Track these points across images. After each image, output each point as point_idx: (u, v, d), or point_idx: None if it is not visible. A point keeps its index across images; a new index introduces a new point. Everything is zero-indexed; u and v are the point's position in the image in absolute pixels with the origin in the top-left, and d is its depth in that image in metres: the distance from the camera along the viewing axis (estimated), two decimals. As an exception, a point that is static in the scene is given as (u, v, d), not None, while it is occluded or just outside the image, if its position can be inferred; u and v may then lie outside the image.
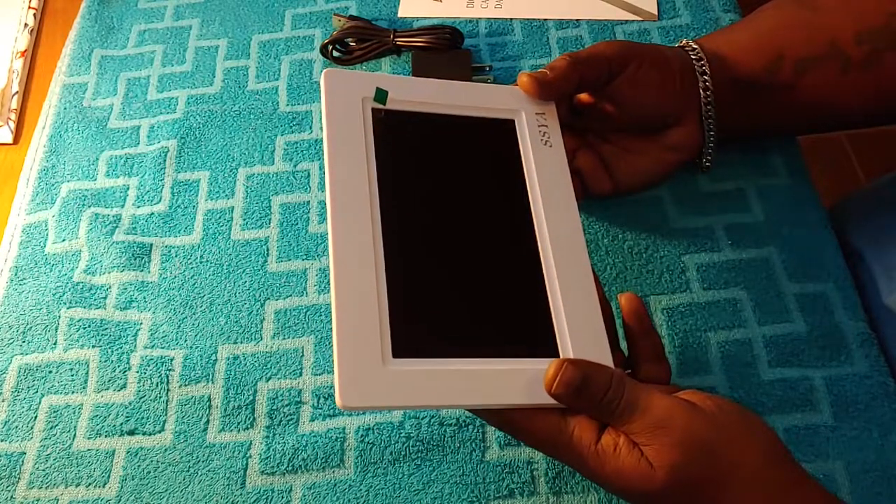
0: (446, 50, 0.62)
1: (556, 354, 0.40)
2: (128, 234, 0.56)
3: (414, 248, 0.42)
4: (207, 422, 0.49)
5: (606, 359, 0.40)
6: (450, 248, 0.43)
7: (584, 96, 0.51)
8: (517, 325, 0.41)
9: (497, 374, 0.39)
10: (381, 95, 0.45)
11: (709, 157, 0.54)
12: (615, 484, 0.38)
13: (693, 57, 0.51)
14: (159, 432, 0.49)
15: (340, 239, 0.40)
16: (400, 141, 0.45)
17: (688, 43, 0.52)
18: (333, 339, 0.38)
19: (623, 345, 0.46)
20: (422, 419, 0.48)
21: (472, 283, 0.42)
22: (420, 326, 0.40)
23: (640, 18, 0.65)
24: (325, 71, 0.45)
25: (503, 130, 0.46)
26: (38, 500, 0.47)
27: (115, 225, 0.57)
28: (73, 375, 0.51)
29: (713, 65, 0.51)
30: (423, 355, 0.39)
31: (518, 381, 0.39)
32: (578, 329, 0.41)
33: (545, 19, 0.66)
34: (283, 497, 0.46)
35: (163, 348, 0.52)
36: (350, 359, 0.37)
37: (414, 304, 0.40)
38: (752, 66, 0.51)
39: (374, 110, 0.45)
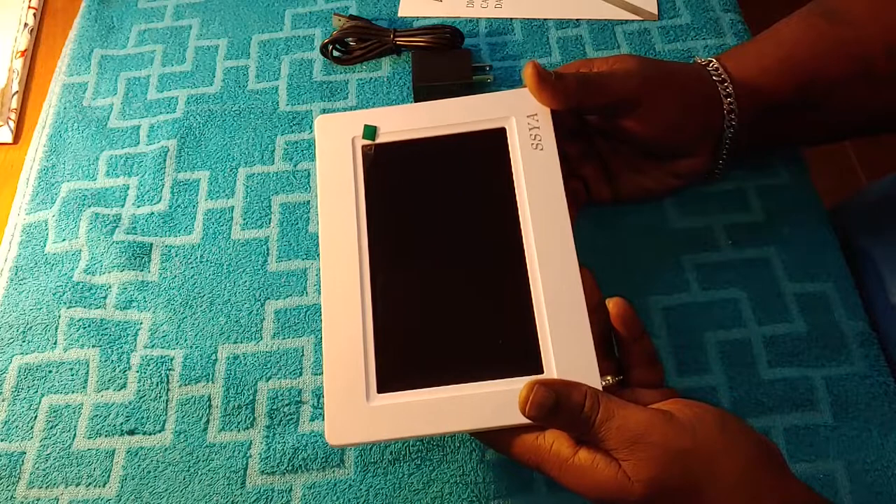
0: (446, 50, 0.62)
1: (542, 372, 0.40)
2: (128, 233, 0.56)
3: (401, 280, 0.44)
4: (207, 421, 0.49)
5: (593, 374, 0.40)
6: (437, 275, 0.44)
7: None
8: (503, 346, 0.42)
9: (479, 397, 0.40)
10: (369, 132, 0.47)
11: (718, 171, 0.53)
12: (595, 496, 0.38)
13: (716, 78, 0.49)
14: (159, 432, 0.49)
15: (329, 281, 0.43)
16: (389, 174, 0.46)
17: (710, 62, 0.50)
18: (323, 379, 0.41)
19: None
20: (422, 419, 0.48)
21: (458, 309, 0.43)
22: (406, 359, 0.42)
23: (640, 18, 0.65)
24: (317, 119, 0.48)
25: (494, 141, 0.46)
26: (38, 500, 0.47)
27: (115, 225, 0.57)
28: (73, 375, 0.51)
29: (739, 89, 0.48)
30: (409, 387, 0.41)
31: (499, 403, 0.40)
32: (564, 344, 0.41)
33: (545, 19, 0.66)
34: (283, 497, 0.47)
35: (163, 348, 0.52)
36: (336, 398, 0.41)
37: (400, 338, 0.42)
38: (783, 91, 0.49)
39: (363, 147, 0.47)
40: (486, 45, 0.64)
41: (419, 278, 0.44)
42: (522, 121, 0.46)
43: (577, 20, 0.65)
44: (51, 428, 0.49)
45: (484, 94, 0.48)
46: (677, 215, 0.55)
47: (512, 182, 0.45)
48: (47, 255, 0.56)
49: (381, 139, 0.47)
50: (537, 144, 0.45)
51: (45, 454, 0.49)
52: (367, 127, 0.47)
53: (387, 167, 0.46)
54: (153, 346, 0.52)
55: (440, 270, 0.44)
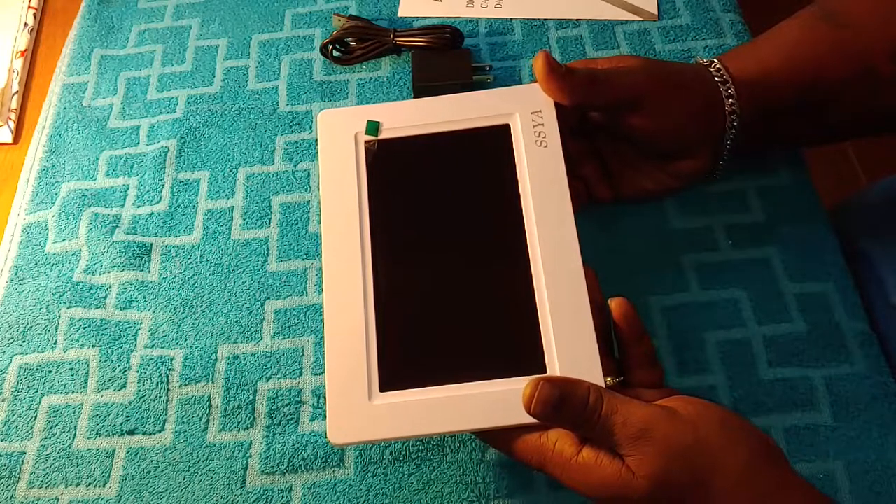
0: (446, 50, 0.62)
1: (545, 371, 0.40)
2: (128, 233, 0.56)
3: (403, 278, 0.43)
4: (207, 421, 0.49)
5: (596, 373, 0.40)
6: (439, 273, 0.44)
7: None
8: (506, 345, 0.42)
9: (482, 396, 0.40)
10: (372, 127, 0.47)
11: (718, 173, 0.53)
12: (599, 494, 0.38)
13: (718, 79, 0.49)
14: (159, 432, 0.49)
15: (331, 278, 0.43)
16: (392, 170, 0.46)
17: (712, 63, 0.50)
18: (325, 378, 0.41)
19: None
20: (422, 419, 0.48)
21: (461, 307, 0.43)
22: (408, 357, 0.42)
23: (640, 18, 0.65)
24: (319, 114, 0.47)
25: (498, 138, 0.46)
26: (38, 500, 0.47)
27: (115, 225, 0.57)
28: (73, 375, 0.51)
29: (741, 90, 0.48)
30: (412, 385, 0.40)
31: (502, 402, 0.40)
32: (567, 342, 0.41)
33: (545, 19, 0.66)
34: (283, 497, 0.47)
35: (163, 348, 0.52)
36: (337, 396, 0.40)
37: (402, 336, 0.42)
38: (785, 92, 0.49)
39: (366, 143, 0.46)
40: (486, 45, 0.64)
41: (422, 276, 0.44)
42: (527, 117, 0.46)
43: (577, 20, 0.65)
44: (51, 428, 0.49)
45: (488, 90, 0.48)
46: (677, 215, 0.55)
47: (516, 179, 0.45)
48: (47, 255, 0.56)
49: (383, 135, 0.47)
50: (541, 141, 0.45)
51: (45, 454, 0.49)
52: (370, 122, 0.47)
53: (389, 163, 0.46)
54: (153, 346, 0.52)
55: (443, 268, 0.44)
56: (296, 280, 0.54)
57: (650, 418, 0.37)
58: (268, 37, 0.67)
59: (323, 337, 0.51)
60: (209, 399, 0.50)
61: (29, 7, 0.71)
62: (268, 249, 0.55)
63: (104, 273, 0.55)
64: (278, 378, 0.50)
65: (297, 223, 0.56)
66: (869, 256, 0.55)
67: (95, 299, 0.54)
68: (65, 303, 0.54)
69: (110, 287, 0.54)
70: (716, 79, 0.49)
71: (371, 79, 0.63)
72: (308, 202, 0.57)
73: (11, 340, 0.53)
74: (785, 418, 0.47)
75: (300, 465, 0.47)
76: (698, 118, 0.49)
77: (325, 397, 0.49)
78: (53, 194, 0.59)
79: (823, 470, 0.45)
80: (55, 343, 0.52)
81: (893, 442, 0.46)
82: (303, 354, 0.51)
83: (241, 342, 0.52)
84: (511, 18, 0.66)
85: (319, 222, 0.56)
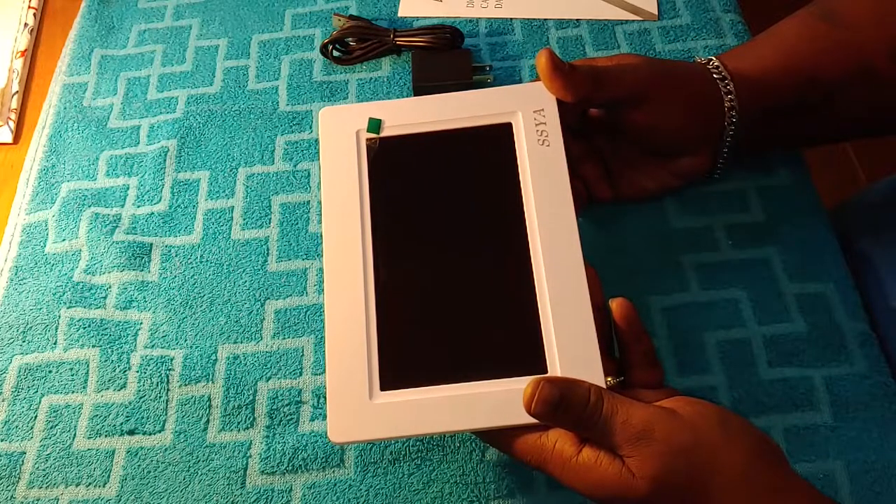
0: (446, 50, 0.62)
1: (545, 371, 0.40)
2: (128, 233, 0.56)
3: (404, 276, 0.43)
4: (207, 421, 0.49)
5: (597, 372, 0.40)
6: (440, 272, 0.44)
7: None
8: (506, 345, 0.42)
9: (483, 396, 0.40)
10: (373, 125, 0.47)
11: (719, 172, 0.53)
12: (599, 494, 0.38)
13: (716, 76, 0.49)
14: (159, 432, 0.49)
15: (332, 276, 0.43)
16: (393, 168, 0.46)
17: (710, 61, 0.50)
18: (326, 376, 0.41)
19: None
20: (422, 419, 0.48)
21: (462, 306, 0.43)
22: (409, 356, 0.42)
23: (640, 18, 0.65)
24: (321, 111, 0.47)
25: (500, 137, 0.46)
26: (38, 500, 0.47)
27: (115, 225, 0.57)
28: (73, 375, 0.51)
29: (740, 88, 0.48)
30: (412, 384, 0.40)
31: (502, 402, 0.39)
32: (568, 342, 0.41)
33: (545, 19, 0.66)
34: (283, 497, 0.47)
35: (163, 348, 0.52)
36: (338, 395, 0.40)
37: (403, 335, 0.42)
38: (783, 91, 0.49)
39: (367, 141, 0.46)
40: (486, 45, 0.64)
41: (423, 275, 0.44)
42: (529, 116, 0.46)
43: (577, 20, 0.65)
44: (51, 428, 0.49)
45: (490, 88, 0.48)
46: (677, 215, 0.55)
47: (518, 178, 0.45)
48: (47, 255, 0.56)
49: (385, 133, 0.47)
50: (544, 140, 0.45)
51: (45, 454, 0.49)
52: (371, 120, 0.47)
53: (391, 161, 0.46)
54: (153, 346, 0.52)
55: (444, 267, 0.44)
56: (296, 280, 0.54)
57: (651, 419, 0.37)
58: (268, 37, 0.67)
59: (323, 336, 0.51)
60: (209, 399, 0.50)
61: (29, 7, 0.71)
62: (268, 249, 0.55)
63: (104, 273, 0.55)
64: (278, 378, 0.50)
65: (297, 223, 0.56)
66: (869, 256, 0.55)
67: (95, 299, 0.54)
68: (65, 303, 0.54)
69: (110, 287, 0.54)
70: (714, 76, 0.49)
71: (371, 79, 0.63)
72: (308, 202, 0.57)
73: (11, 340, 0.53)
74: (785, 418, 0.47)
75: (300, 465, 0.47)
76: (698, 115, 0.49)
77: (325, 397, 0.49)
78: (53, 194, 0.59)
79: (823, 470, 0.45)
80: (55, 343, 0.52)
81: (893, 442, 0.46)
82: (303, 354, 0.51)
83: (241, 342, 0.52)
84: (511, 18, 0.66)
85: (320, 222, 0.56)
